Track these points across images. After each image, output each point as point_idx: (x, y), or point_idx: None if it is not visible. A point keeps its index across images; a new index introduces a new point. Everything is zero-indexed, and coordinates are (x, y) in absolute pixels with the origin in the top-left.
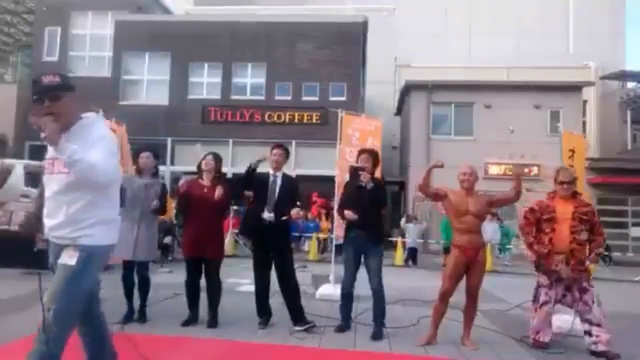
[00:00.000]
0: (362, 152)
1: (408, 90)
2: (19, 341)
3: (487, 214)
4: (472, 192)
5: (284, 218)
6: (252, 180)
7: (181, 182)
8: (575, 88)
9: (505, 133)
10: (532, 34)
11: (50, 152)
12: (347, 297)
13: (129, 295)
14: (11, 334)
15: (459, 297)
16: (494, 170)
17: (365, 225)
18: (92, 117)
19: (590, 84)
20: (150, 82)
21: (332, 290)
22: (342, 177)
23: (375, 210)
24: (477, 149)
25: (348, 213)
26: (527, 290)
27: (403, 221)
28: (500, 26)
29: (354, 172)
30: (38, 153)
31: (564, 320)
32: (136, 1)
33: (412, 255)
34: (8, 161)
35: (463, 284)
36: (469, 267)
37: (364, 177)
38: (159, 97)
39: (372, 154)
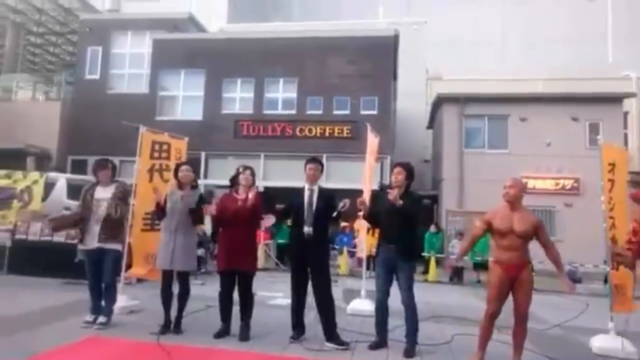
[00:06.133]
0: (396, 165)
1: (439, 102)
2: (52, 351)
3: (533, 236)
4: (517, 207)
5: (342, 207)
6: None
7: (211, 208)
8: (615, 99)
9: (541, 146)
10: (567, 43)
11: None
12: (379, 312)
13: (166, 306)
14: (45, 343)
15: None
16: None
17: (395, 240)
18: None
19: (631, 94)
20: (185, 97)
21: (363, 304)
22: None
23: (406, 226)
24: (512, 162)
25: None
26: (567, 309)
27: (455, 240)
28: (533, 36)
29: (382, 189)
30: (79, 167)
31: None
32: (172, 20)
33: (458, 272)
34: (52, 175)
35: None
36: (514, 286)
37: (390, 195)
38: (194, 112)
39: (406, 167)
